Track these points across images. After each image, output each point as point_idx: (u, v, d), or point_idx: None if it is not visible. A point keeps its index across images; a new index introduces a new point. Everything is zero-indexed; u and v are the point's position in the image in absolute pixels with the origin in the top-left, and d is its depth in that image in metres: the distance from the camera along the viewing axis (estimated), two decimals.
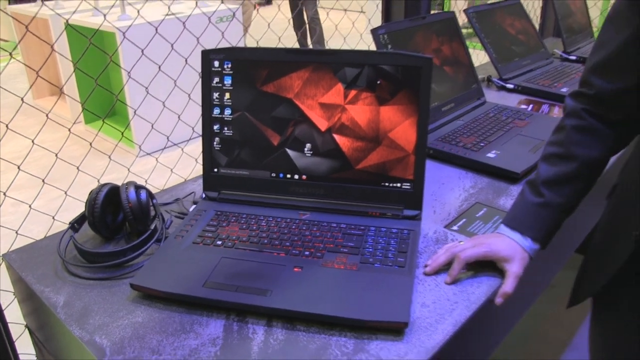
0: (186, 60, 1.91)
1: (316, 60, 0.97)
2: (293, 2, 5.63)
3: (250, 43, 4.65)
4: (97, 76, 3.56)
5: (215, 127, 1.01)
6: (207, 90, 1.01)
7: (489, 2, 2.74)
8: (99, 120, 3.91)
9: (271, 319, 0.75)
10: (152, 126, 2.08)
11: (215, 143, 1.01)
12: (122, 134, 2.09)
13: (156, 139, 3.05)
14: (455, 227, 0.99)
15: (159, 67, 1.91)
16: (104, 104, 3.94)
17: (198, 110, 1.04)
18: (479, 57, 2.19)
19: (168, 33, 2.32)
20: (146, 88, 2.00)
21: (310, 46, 5.69)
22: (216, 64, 1.00)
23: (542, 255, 0.91)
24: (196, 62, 1.19)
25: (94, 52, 3.62)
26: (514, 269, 0.84)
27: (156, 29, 1.97)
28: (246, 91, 0.99)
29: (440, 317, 0.76)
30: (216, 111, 1.01)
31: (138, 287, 0.79)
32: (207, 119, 1.01)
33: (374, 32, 1.31)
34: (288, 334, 0.73)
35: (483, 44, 1.86)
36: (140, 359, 0.69)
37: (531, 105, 1.70)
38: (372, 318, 0.72)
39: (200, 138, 1.02)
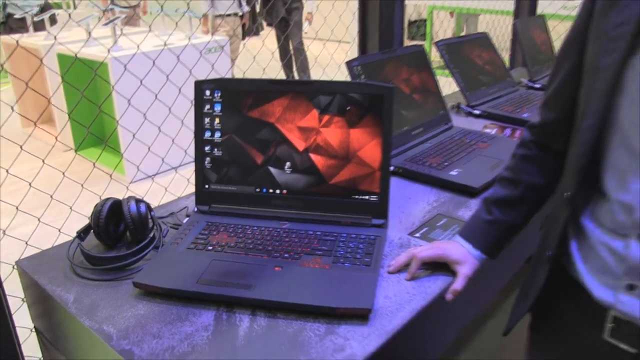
0: (180, 90, 2.05)
1: (294, 89, 1.12)
2: (279, 33, 5.85)
3: (238, 73, 4.81)
4: (100, 104, 3.69)
5: (207, 148, 1.15)
6: (199, 115, 1.14)
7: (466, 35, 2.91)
8: (89, 147, 4.03)
9: (255, 309, 0.88)
10: (149, 148, 2.20)
11: (206, 162, 1.15)
12: (121, 155, 2.22)
13: (147, 166, 3.17)
14: (417, 235, 1.13)
15: (155, 96, 2.05)
16: (95, 131, 4.06)
17: (188, 137, 1.17)
18: (452, 85, 2.36)
19: (159, 63, 2.47)
20: (144, 114, 2.13)
21: (295, 74, 5.89)
22: (207, 92, 1.14)
23: (492, 264, 1.05)
24: (188, 91, 1.33)
25: (85, 81, 3.76)
26: (464, 271, 0.97)
27: (153, 62, 2.12)
28: (234, 116, 1.13)
29: (400, 306, 0.89)
30: (207, 134, 1.15)
31: (140, 284, 0.92)
32: (199, 141, 1.15)
33: (349, 64, 1.46)
34: (269, 321, 0.85)
35: (452, 73, 2.03)
36: (143, 341, 0.81)
37: (495, 129, 1.85)
38: (341, 305, 0.85)
39: (189, 165, 1.15)
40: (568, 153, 0.88)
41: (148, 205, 1.09)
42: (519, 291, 1.02)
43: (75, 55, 2.13)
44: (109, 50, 2.40)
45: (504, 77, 2.31)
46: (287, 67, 5.84)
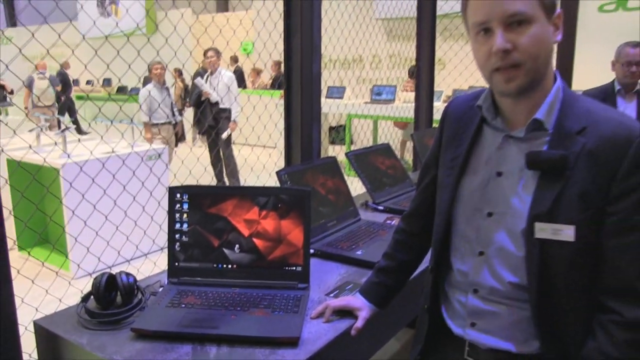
0: (136, 196, 2.46)
1: (241, 193, 1.58)
2: (210, 145, 6.38)
3: (170, 176, 5.22)
4: (37, 202, 3.97)
5: (177, 235, 1.57)
6: (172, 212, 1.58)
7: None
8: (31, 247, 4.24)
9: (220, 342, 1.28)
10: (87, 249, 2.55)
11: (176, 246, 1.57)
12: (66, 256, 2.55)
13: (90, 264, 3.45)
14: (331, 295, 1.58)
15: (118, 195, 2.44)
16: (38, 229, 4.30)
17: (122, 239, 1.59)
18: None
19: (105, 167, 2.86)
20: (110, 211, 2.51)
21: (226, 179, 6.37)
22: (178, 195, 1.58)
23: (384, 315, 1.50)
24: (133, 190, 1.76)
25: (33, 185, 4.06)
26: (363, 314, 1.42)
27: (103, 164, 2.53)
28: (197, 212, 1.58)
29: (318, 337, 1.33)
30: (177, 225, 1.58)
31: (136, 329, 1.30)
32: (172, 230, 1.57)
33: (278, 173, 1.96)
34: (230, 349, 1.26)
35: (360, 177, 2.57)
36: None
37: (394, 221, 2.37)
38: (279, 335, 1.28)
39: (122, 264, 1.56)
40: (433, 240, 1.34)
41: (134, 277, 1.49)
42: (413, 338, 1.44)
43: (18, 162, 2.51)
44: (69, 155, 2.80)
45: (404, 178, 2.88)
46: (219, 172, 6.31)
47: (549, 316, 1.09)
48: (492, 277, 1.15)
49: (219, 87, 6.09)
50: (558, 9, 1.07)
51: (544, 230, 1.06)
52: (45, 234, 4.48)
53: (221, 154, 6.23)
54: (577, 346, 1.09)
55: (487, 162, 1.17)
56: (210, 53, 6.10)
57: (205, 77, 6.22)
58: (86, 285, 1.51)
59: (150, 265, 3.07)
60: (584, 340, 1.09)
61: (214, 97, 6.11)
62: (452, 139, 1.25)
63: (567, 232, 1.04)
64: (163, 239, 1.76)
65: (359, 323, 1.39)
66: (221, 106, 6.17)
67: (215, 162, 6.28)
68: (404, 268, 1.47)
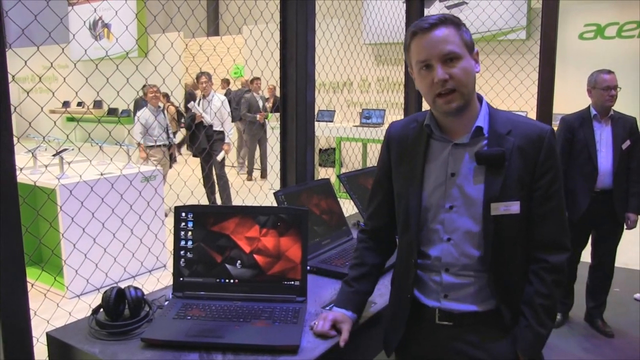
0: (125, 216, 2.55)
1: (242, 212, 1.69)
2: (203, 164, 6.49)
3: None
4: (28, 225, 4.03)
5: (182, 252, 1.67)
6: (177, 230, 1.68)
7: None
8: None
9: (225, 351, 1.38)
10: (76, 272, 2.63)
11: (181, 262, 1.67)
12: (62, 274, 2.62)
13: (84, 283, 3.52)
14: (327, 308, 1.68)
15: (103, 225, 2.53)
16: (29, 251, 4.35)
17: (126, 256, 1.68)
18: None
19: (102, 188, 2.94)
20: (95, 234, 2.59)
21: (217, 197, 6.46)
22: (183, 214, 1.68)
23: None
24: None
25: (26, 205, 4.13)
26: (345, 327, 1.52)
27: (91, 188, 2.62)
28: (201, 230, 1.68)
29: (316, 346, 1.43)
30: (182, 243, 1.68)
31: (146, 339, 1.40)
32: (177, 247, 1.67)
33: (275, 194, 2.07)
34: (235, 357, 1.36)
35: (352, 198, 2.68)
36: None
37: None
38: (279, 343, 1.37)
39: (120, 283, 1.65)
40: (403, 240, 1.52)
41: (142, 292, 1.58)
42: (388, 326, 1.59)
43: (34, 183, 2.60)
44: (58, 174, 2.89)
45: None
46: (211, 191, 6.41)
47: (500, 278, 1.41)
48: (460, 256, 1.43)
49: (212, 110, 6.22)
50: (476, 49, 1.40)
51: (497, 209, 1.38)
52: (37, 254, 4.53)
53: (213, 173, 6.34)
54: (520, 296, 1.44)
55: (440, 167, 1.44)
56: (203, 78, 6.26)
57: (197, 100, 6.35)
58: (76, 305, 1.59)
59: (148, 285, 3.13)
60: (523, 290, 1.44)
61: (207, 120, 6.24)
62: (401, 155, 1.52)
63: (514, 207, 1.38)
64: (152, 261, 1.85)
65: (345, 334, 1.49)
66: (215, 128, 6.31)
67: (207, 180, 6.38)
68: (375, 271, 1.65)
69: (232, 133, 6.41)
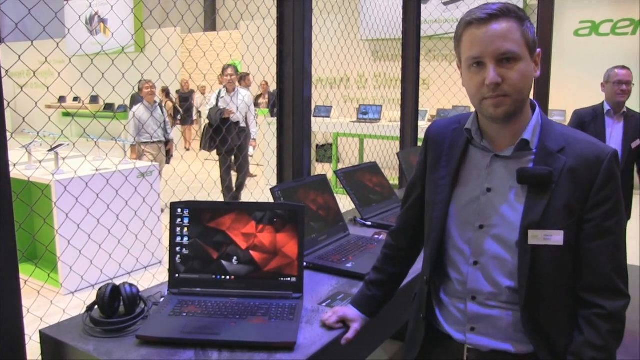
0: (120, 211, 2.53)
1: (238, 208, 1.68)
2: (230, 163, 6.25)
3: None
4: (22, 222, 4.01)
5: (178, 248, 1.66)
6: (173, 226, 1.66)
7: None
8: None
9: (221, 347, 1.37)
10: (70, 268, 2.62)
11: (177, 258, 1.65)
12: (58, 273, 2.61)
13: (78, 280, 3.50)
14: (324, 304, 1.67)
15: (98, 221, 2.51)
16: (23, 247, 4.33)
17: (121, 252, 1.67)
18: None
19: (97, 184, 2.93)
20: (92, 231, 2.57)
21: (234, 188, 6.35)
22: (179, 210, 1.67)
23: (372, 324, 1.59)
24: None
25: (20, 201, 4.10)
26: (354, 326, 1.51)
27: (86, 184, 2.60)
28: (197, 226, 1.66)
29: (313, 342, 1.42)
30: (178, 239, 1.66)
31: (142, 336, 1.38)
32: (173, 243, 1.66)
33: (272, 190, 2.05)
34: (231, 354, 1.34)
35: (349, 195, 2.67)
36: None
37: (382, 235, 2.47)
38: (276, 340, 1.36)
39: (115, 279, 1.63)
40: (424, 253, 1.43)
41: (137, 288, 1.56)
42: (405, 346, 1.52)
43: (29, 179, 2.58)
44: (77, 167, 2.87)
45: (390, 195, 2.99)
46: (228, 187, 6.24)
47: (537, 318, 1.22)
48: (488, 283, 1.26)
49: (240, 106, 5.98)
50: (538, 49, 1.21)
51: (536, 237, 1.19)
52: (31, 250, 4.51)
53: (235, 168, 6.25)
54: (563, 342, 1.23)
55: (476, 180, 1.29)
56: (229, 70, 5.91)
57: (216, 95, 6.05)
58: (71, 302, 1.58)
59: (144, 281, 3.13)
60: (568, 336, 1.23)
61: (237, 117, 5.99)
62: (437, 160, 1.37)
63: (556, 238, 1.18)
64: (147, 257, 1.84)
65: (350, 334, 1.48)
66: (242, 125, 6.10)
67: (225, 177, 6.22)
68: (393, 280, 1.57)
69: (257, 130, 6.27)
